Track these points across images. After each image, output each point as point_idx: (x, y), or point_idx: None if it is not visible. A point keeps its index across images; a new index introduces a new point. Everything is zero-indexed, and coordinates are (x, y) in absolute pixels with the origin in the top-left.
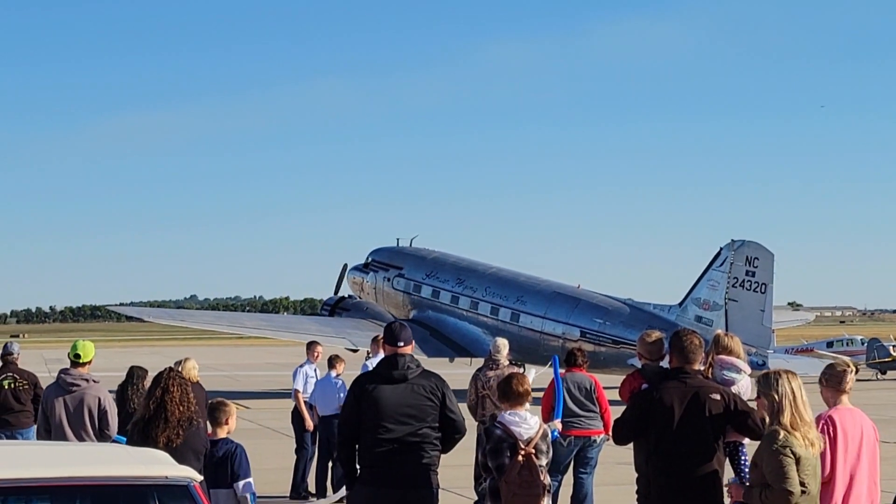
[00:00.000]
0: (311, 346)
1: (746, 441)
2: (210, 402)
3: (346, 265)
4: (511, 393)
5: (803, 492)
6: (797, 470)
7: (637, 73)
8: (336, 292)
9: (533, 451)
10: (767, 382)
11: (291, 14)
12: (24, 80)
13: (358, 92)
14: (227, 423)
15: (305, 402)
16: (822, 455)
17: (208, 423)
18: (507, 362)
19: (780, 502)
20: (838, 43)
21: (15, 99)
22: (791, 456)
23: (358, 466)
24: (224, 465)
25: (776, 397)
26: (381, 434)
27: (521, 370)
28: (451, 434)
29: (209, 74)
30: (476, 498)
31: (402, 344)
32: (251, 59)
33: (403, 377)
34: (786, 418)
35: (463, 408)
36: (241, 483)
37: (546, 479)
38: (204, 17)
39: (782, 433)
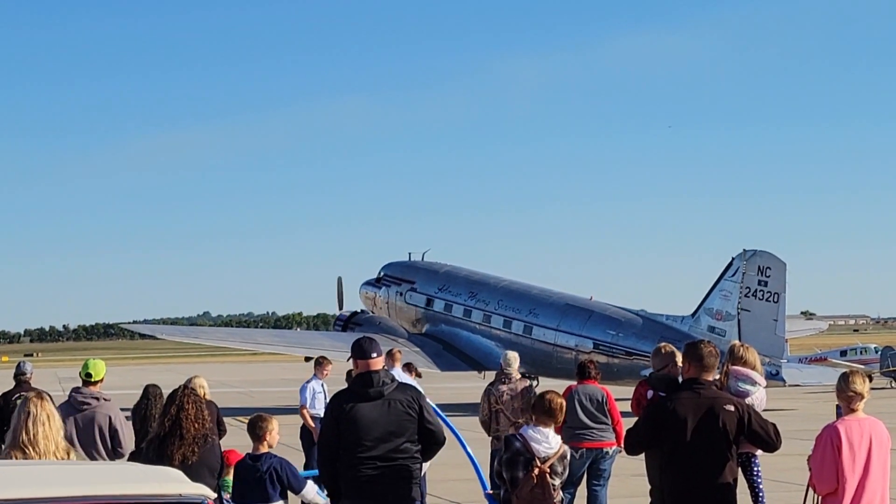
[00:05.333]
0: (321, 362)
1: (759, 452)
2: (251, 417)
3: (339, 279)
4: (542, 409)
5: None
6: None
7: (647, 84)
8: (340, 307)
9: (548, 469)
10: None
11: (305, 32)
12: (36, 100)
13: (369, 108)
14: (266, 438)
15: (315, 417)
16: (829, 466)
17: (250, 438)
18: (519, 375)
19: None
20: (850, 51)
21: (25, 118)
22: None
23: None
24: (270, 479)
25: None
26: (362, 452)
27: (535, 383)
28: (431, 445)
29: (220, 94)
30: None
31: (374, 355)
32: (262, 79)
33: (380, 394)
34: None
35: (465, 422)
36: (307, 489)
37: (559, 496)
38: (221, 38)
39: None
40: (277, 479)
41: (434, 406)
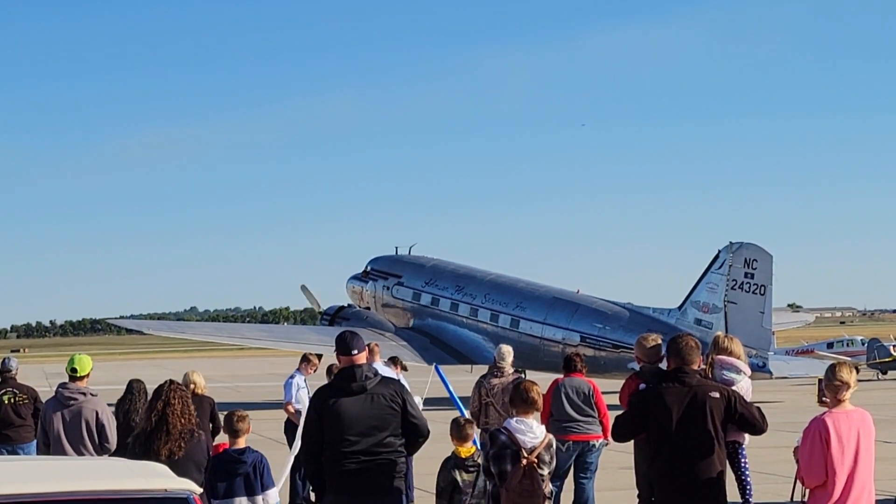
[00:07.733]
0: (307, 358)
1: (745, 442)
2: (227, 413)
3: (303, 286)
4: (521, 399)
5: None
6: None
7: (633, 79)
8: (318, 309)
9: (535, 460)
10: None
11: (292, 30)
12: (23, 97)
13: (358, 105)
14: (245, 433)
15: (299, 412)
16: (817, 459)
17: (227, 433)
18: (512, 369)
19: None
20: (834, 45)
21: (11, 115)
22: None
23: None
24: (255, 474)
25: None
26: (345, 447)
27: (523, 376)
28: (415, 438)
29: (207, 91)
30: None
31: (356, 352)
32: (250, 76)
33: (362, 388)
34: None
35: (453, 415)
36: (270, 492)
37: (548, 487)
38: (203, 36)
39: None
40: (259, 473)
41: (453, 393)
